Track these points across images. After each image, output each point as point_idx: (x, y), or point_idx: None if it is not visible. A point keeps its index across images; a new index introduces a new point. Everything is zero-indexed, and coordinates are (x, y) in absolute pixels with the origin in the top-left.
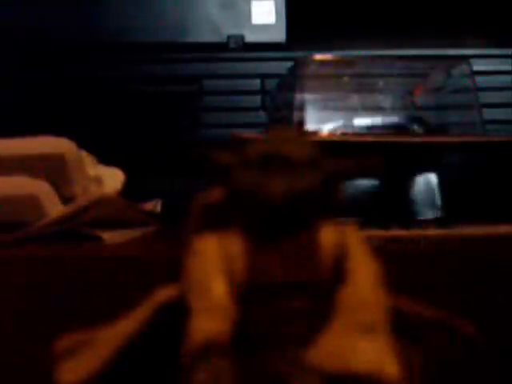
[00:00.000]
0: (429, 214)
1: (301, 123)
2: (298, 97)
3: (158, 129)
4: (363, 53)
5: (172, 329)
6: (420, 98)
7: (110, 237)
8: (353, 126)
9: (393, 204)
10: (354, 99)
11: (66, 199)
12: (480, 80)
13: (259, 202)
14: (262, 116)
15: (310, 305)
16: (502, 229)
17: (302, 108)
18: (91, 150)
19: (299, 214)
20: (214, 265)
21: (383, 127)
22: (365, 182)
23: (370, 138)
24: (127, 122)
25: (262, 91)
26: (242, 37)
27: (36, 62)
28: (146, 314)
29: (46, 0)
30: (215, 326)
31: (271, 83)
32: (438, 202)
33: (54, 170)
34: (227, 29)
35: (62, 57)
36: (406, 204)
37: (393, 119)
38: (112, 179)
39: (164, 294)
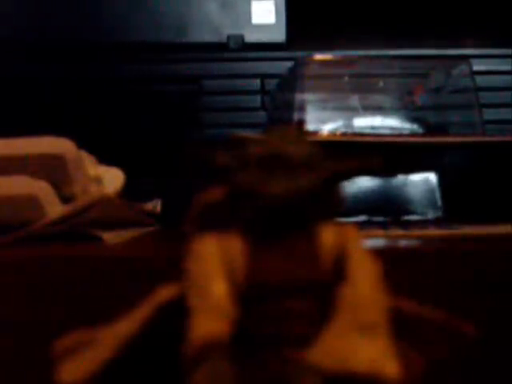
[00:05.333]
0: (429, 214)
1: (301, 123)
2: (298, 97)
3: (157, 129)
4: (363, 53)
5: (172, 329)
6: (420, 98)
7: (110, 237)
8: (353, 126)
9: (393, 204)
10: (354, 99)
11: (66, 199)
12: (480, 80)
13: (259, 202)
14: (262, 116)
15: (310, 305)
16: (502, 229)
17: (302, 108)
18: (91, 150)
19: (299, 214)
20: (214, 265)
21: (383, 127)
22: (365, 182)
23: (370, 138)
24: (127, 122)
25: (262, 91)
26: (242, 37)
27: (36, 61)
28: (146, 314)
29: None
30: (215, 327)
31: (271, 83)
32: (438, 201)
33: (54, 170)
34: (227, 29)
35: (62, 57)
36: (405, 204)
37: (393, 119)
38: (112, 179)
39: (164, 293)
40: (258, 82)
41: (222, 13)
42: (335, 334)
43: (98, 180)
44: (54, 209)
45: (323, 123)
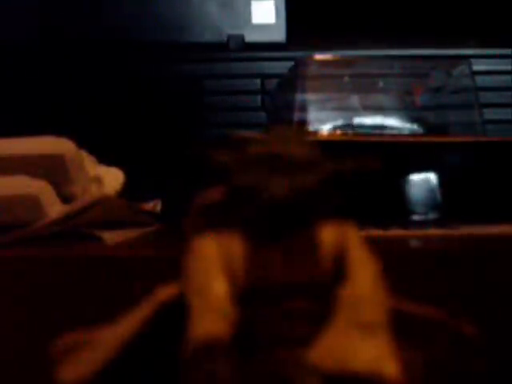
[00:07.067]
0: (429, 214)
1: (301, 123)
2: (298, 97)
3: (158, 129)
4: (363, 53)
5: (172, 329)
6: (420, 98)
7: (110, 237)
8: (353, 126)
9: (393, 204)
10: (354, 99)
11: (66, 199)
12: (480, 80)
13: (259, 202)
14: (262, 116)
15: (310, 304)
16: (502, 229)
17: (302, 108)
18: (91, 150)
19: (299, 213)
20: (214, 265)
21: (383, 127)
22: (365, 182)
23: (369, 138)
24: (127, 122)
25: (262, 91)
26: (242, 37)
27: (36, 61)
28: (145, 314)
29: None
30: (215, 327)
31: (271, 83)
32: (438, 201)
33: (54, 170)
34: (227, 29)
35: (62, 56)
36: (405, 204)
37: (393, 119)
38: (112, 179)
39: (164, 293)
40: (258, 81)
41: (222, 13)
42: (335, 334)
43: (98, 180)
44: (54, 209)
45: (323, 123)
